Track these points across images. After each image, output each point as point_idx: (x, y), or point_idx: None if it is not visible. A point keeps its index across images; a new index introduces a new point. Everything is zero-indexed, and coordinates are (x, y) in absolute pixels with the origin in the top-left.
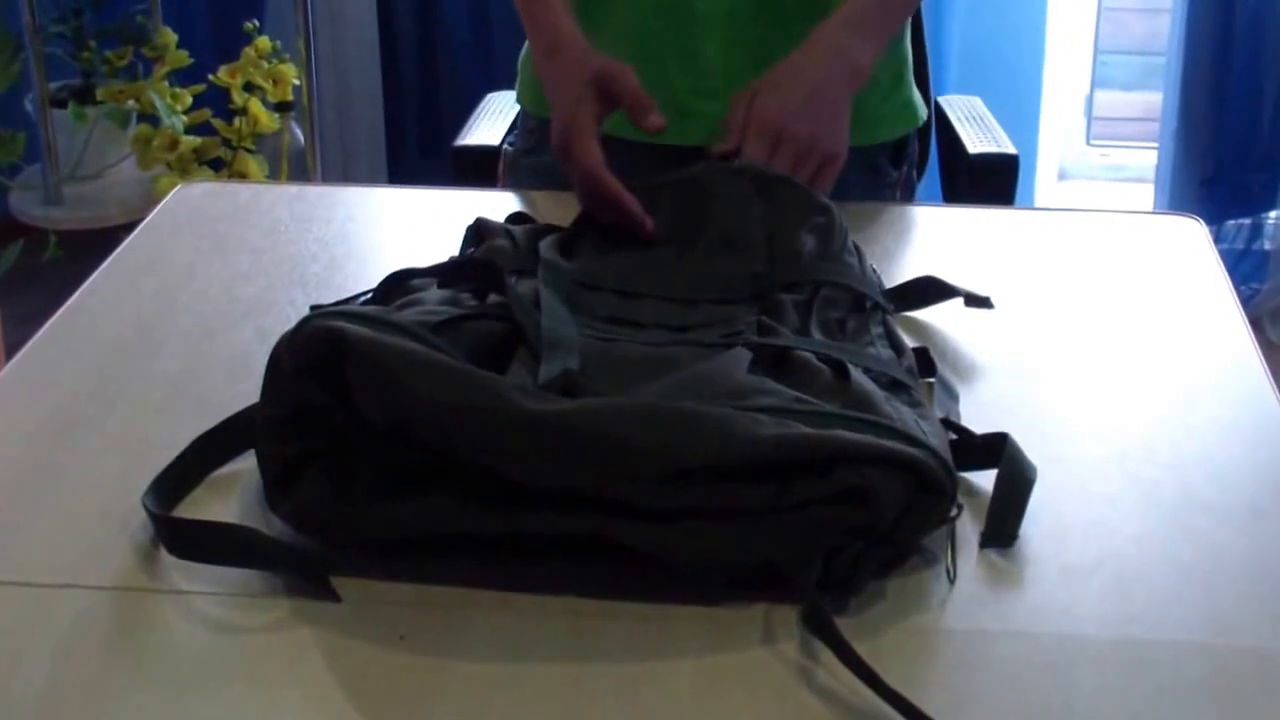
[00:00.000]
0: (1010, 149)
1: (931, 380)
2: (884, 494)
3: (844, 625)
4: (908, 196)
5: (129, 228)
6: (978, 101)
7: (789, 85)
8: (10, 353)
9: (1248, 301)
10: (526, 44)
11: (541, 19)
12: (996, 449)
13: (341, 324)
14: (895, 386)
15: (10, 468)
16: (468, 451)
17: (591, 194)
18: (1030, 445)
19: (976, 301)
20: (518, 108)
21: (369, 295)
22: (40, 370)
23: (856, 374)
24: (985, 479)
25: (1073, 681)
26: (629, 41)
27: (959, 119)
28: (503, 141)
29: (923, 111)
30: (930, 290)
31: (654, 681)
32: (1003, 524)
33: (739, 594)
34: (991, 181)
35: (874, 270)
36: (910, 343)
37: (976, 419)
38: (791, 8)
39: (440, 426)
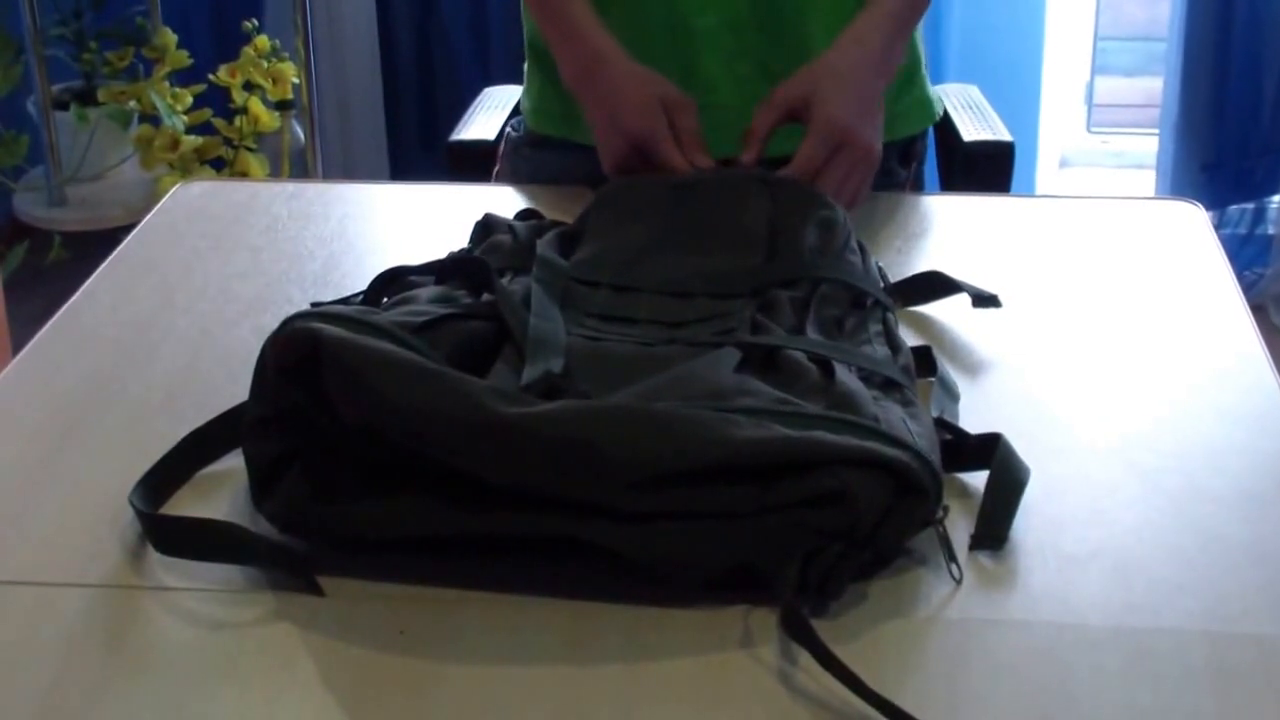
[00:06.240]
0: (1006, 136)
1: (932, 379)
2: (862, 496)
3: (831, 626)
4: (917, 194)
5: (132, 228)
6: (974, 90)
7: (845, 88)
8: (17, 353)
9: (1251, 287)
10: (528, 65)
11: (576, 36)
12: (989, 450)
13: (318, 325)
14: (888, 386)
15: (10, 467)
16: (439, 454)
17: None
18: (1030, 433)
19: (984, 301)
20: (513, 102)
21: (362, 294)
22: (40, 370)
23: (842, 373)
24: (980, 479)
25: (1071, 670)
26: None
27: (955, 107)
28: (505, 124)
29: (938, 106)
30: (935, 285)
31: (639, 683)
32: (992, 526)
33: (717, 596)
34: (988, 169)
35: (879, 267)
36: (914, 339)
37: (976, 407)
38: (790, 17)
39: (411, 429)
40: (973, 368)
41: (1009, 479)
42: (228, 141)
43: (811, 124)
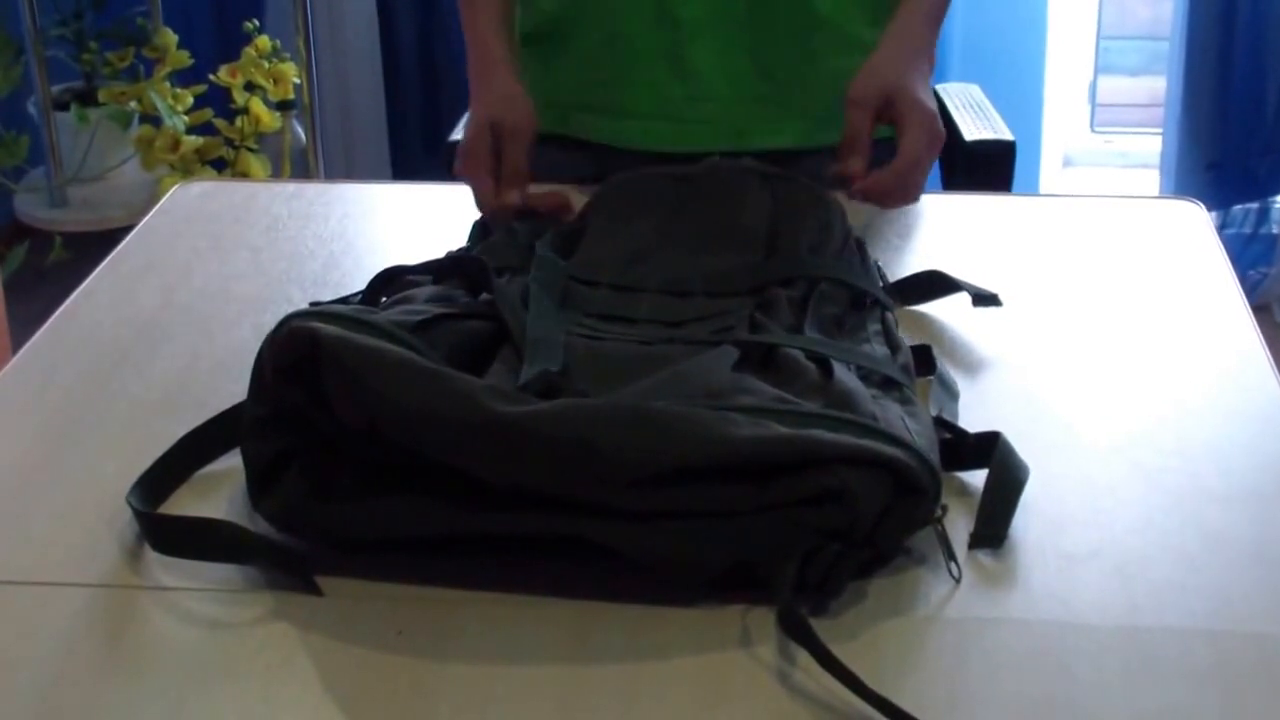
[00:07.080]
0: (1007, 135)
1: (931, 378)
2: (860, 494)
3: (830, 625)
4: None
5: (133, 229)
6: (975, 89)
7: (914, 80)
8: (17, 352)
9: (1256, 286)
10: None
11: (474, 33)
12: (989, 449)
13: (316, 325)
14: (887, 384)
15: (9, 467)
16: (437, 453)
17: (493, 214)
18: (1029, 432)
19: (984, 300)
20: None
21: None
22: (40, 370)
23: (840, 372)
24: (980, 478)
25: (1072, 670)
26: (617, 49)
27: (956, 107)
28: None
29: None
30: (935, 285)
31: (639, 682)
32: (991, 525)
33: (717, 596)
34: (989, 168)
35: (878, 266)
36: (914, 338)
37: (976, 406)
38: (782, 10)
39: (409, 428)
40: (972, 366)
41: (1008, 478)
42: (229, 142)
43: (906, 117)
